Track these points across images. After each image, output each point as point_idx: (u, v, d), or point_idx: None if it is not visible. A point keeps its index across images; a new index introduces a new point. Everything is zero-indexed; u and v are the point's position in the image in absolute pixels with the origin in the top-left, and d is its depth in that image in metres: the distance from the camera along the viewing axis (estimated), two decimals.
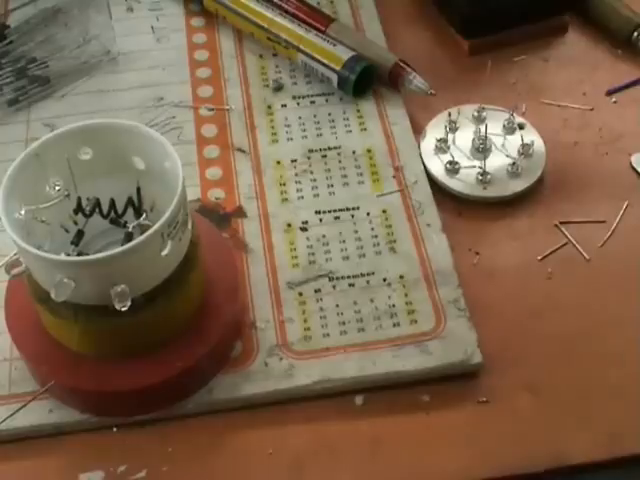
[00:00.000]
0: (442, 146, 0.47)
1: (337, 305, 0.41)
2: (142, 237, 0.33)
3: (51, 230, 0.37)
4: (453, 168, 0.46)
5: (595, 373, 0.40)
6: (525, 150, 0.47)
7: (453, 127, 0.48)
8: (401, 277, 0.42)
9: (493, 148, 0.47)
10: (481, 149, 0.47)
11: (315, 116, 0.50)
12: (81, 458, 0.38)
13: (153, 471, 0.37)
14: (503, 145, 0.47)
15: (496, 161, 0.47)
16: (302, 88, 0.51)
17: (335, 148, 0.48)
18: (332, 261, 0.43)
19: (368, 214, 0.45)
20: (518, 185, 0.46)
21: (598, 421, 0.38)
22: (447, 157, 0.47)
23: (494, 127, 0.48)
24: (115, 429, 0.38)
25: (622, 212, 0.45)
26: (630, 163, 0.48)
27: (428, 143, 0.48)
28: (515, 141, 0.47)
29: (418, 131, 0.49)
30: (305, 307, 0.41)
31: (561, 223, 0.44)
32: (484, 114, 0.48)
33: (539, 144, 0.47)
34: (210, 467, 0.37)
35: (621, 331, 0.41)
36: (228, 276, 0.40)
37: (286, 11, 0.53)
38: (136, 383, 0.37)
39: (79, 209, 0.37)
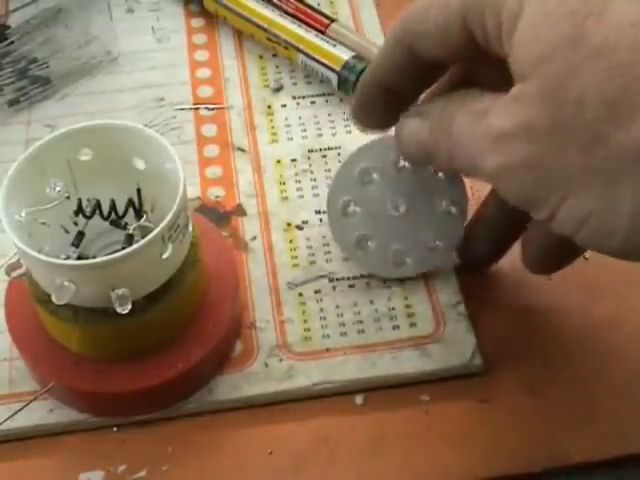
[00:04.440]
0: None
1: (337, 306, 0.41)
2: (143, 241, 0.33)
3: (51, 231, 0.37)
4: None
5: (595, 373, 0.40)
6: None
7: None
8: (401, 280, 0.42)
9: None
10: None
11: (315, 116, 0.50)
12: (81, 458, 0.38)
13: (153, 471, 0.37)
14: None
15: None
16: (302, 88, 0.51)
17: (335, 148, 0.48)
18: (332, 262, 0.43)
19: None
20: None
21: (598, 421, 0.38)
22: None
23: None
24: (115, 429, 0.38)
25: None
26: None
27: None
28: None
29: None
30: (305, 308, 0.41)
31: None
32: None
33: None
34: (210, 467, 0.37)
35: (621, 331, 0.41)
36: (228, 275, 0.40)
37: (286, 12, 0.53)
38: (136, 384, 0.37)
39: (79, 210, 0.37)
